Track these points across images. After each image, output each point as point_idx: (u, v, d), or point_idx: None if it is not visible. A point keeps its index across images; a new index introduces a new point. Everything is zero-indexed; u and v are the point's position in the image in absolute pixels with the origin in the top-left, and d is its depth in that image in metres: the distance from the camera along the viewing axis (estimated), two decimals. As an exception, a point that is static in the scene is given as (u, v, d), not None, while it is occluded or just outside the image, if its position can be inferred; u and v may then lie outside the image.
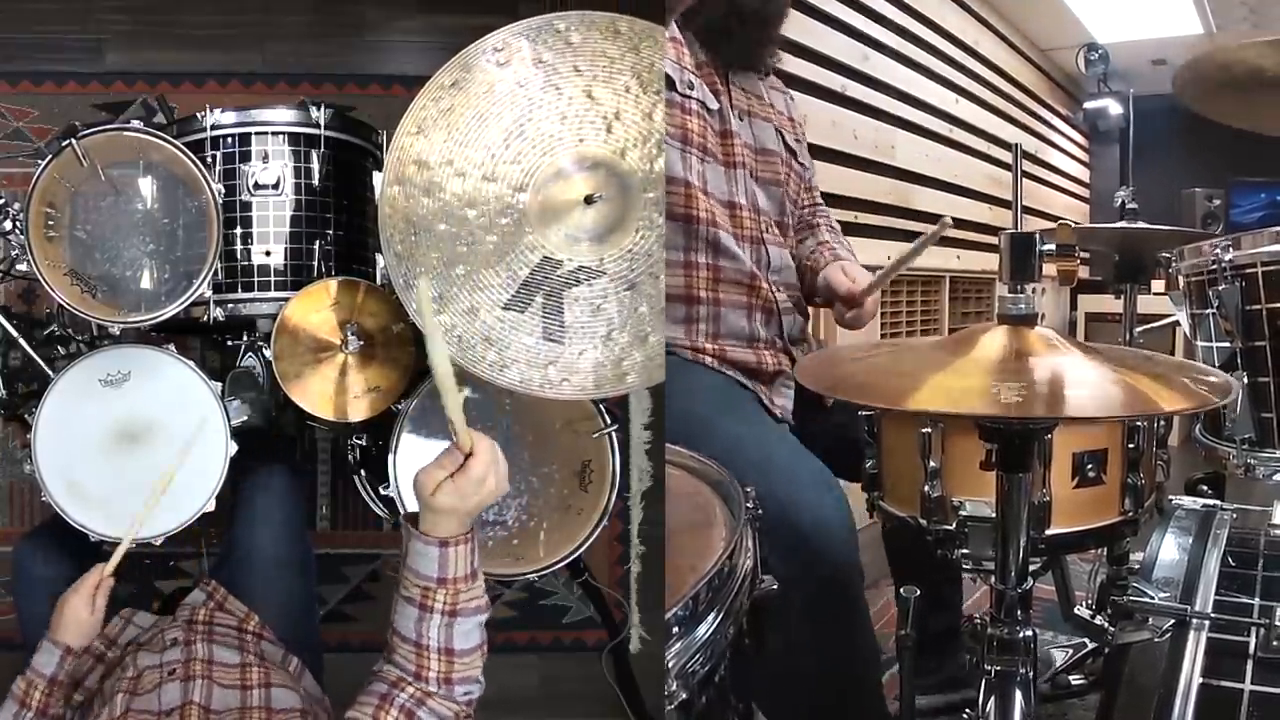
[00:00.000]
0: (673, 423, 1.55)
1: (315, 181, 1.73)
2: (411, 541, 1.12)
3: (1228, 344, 1.77)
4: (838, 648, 1.45)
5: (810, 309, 1.86)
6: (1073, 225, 1.91)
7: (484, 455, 1.10)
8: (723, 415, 1.53)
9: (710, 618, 0.94)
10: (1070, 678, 2.02)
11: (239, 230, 1.69)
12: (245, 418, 1.62)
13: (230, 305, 1.68)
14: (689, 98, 1.60)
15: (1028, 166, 2.83)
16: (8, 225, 1.58)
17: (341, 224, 1.76)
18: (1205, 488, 1.89)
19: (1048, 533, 1.30)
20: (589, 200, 1.40)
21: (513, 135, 1.39)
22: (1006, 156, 1.22)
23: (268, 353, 1.62)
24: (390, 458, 1.56)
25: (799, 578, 1.32)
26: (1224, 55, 1.94)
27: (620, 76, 1.40)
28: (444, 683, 1.14)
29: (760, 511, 1.15)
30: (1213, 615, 1.20)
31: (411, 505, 1.22)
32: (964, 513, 1.31)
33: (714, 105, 1.65)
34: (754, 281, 1.66)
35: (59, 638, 1.38)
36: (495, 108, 1.38)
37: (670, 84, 1.57)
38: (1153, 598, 1.26)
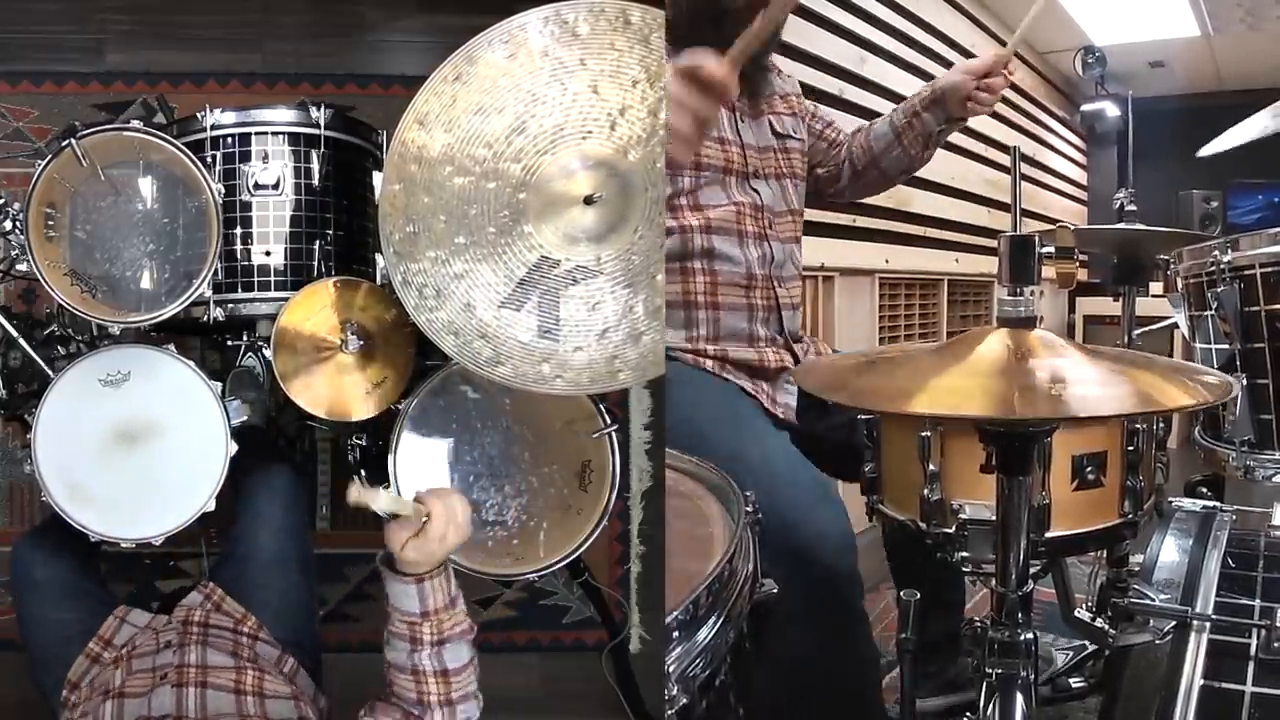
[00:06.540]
0: (674, 433, 1.55)
1: (315, 181, 1.73)
2: (389, 583, 1.18)
3: (1226, 346, 1.77)
4: (837, 657, 1.45)
5: (802, 307, 1.84)
6: (1071, 228, 1.91)
7: (439, 517, 1.16)
8: (723, 427, 1.53)
9: (711, 622, 0.94)
10: (1071, 680, 2.02)
11: (239, 230, 1.69)
12: (245, 418, 1.62)
13: (230, 305, 1.68)
14: None
15: (1025, 169, 2.83)
16: (8, 225, 1.58)
17: (341, 224, 1.76)
18: (1204, 490, 1.89)
19: (1047, 535, 1.30)
20: (589, 200, 1.40)
21: (514, 131, 1.38)
22: (1004, 159, 1.22)
23: (268, 353, 1.62)
24: (390, 458, 1.56)
25: (798, 588, 1.32)
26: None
27: (628, 70, 1.38)
28: (445, 704, 1.19)
29: (760, 516, 1.15)
30: (1213, 617, 1.19)
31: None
32: (964, 516, 1.32)
33: None
34: (752, 282, 1.66)
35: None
36: (498, 102, 1.37)
37: None
38: (1153, 600, 1.25)
